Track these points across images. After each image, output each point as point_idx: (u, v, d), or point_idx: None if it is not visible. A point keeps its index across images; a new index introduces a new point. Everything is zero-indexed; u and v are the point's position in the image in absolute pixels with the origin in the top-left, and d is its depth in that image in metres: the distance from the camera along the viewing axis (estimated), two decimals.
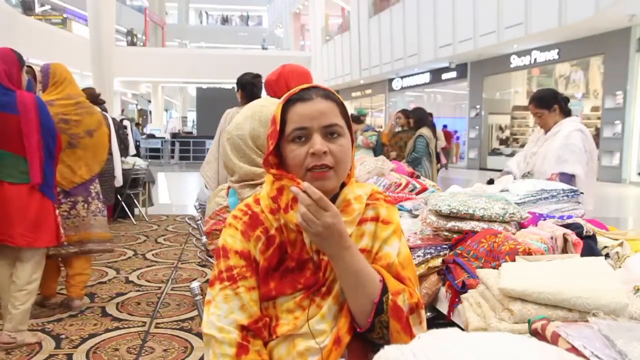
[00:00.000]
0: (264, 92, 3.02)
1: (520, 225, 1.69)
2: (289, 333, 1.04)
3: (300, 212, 0.96)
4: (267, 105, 1.93)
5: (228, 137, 1.99)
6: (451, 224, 1.64)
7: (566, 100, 2.90)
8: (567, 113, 2.87)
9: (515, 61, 13.55)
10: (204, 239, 2.29)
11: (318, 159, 1.02)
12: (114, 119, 6.38)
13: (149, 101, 29.55)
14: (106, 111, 6.31)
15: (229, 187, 2.11)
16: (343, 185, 1.10)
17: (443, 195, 1.84)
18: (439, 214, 1.67)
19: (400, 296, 1.02)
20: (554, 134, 2.81)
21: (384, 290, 1.02)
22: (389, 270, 1.07)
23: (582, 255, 1.36)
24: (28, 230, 2.76)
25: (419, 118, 5.81)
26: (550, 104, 2.83)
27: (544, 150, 2.84)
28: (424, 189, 2.53)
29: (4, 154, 2.71)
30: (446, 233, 1.67)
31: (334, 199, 1.05)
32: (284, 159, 1.07)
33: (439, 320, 1.47)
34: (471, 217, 1.63)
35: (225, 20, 28.32)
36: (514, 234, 1.57)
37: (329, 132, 1.04)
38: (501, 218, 1.62)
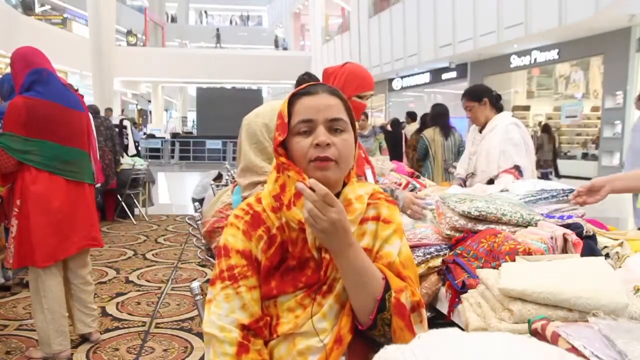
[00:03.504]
0: None
1: None
2: (289, 332, 1.04)
3: (307, 208, 0.96)
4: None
5: (246, 122, 2.03)
6: (479, 227, 1.61)
7: (498, 97, 2.97)
8: (498, 109, 2.93)
9: (515, 61, 13.54)
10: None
11: (321, 150, 1.03)
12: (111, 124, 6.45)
13: (149, 101, 29.53)
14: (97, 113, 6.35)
15: (234, 185, 2.13)
16: (344, 184, 1.11)
17: (462, 196, 1.79)
18: (468, 217, 1.62)
19: (403, 294, 1.03)
20: (491, 129, 2.87)
21: (387, 287, 1.02)
22: (389, 269, 1.07)
23: (582, 255, 1.36)
24: (99, 230, 2.84)
25: (433, 116, 5.53)
26: (480, 97, 2.90)
27: (483, 148, 2.88)
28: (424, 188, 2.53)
29: (83, 155, 2.71)
30: (447, 232, 1.66)
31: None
32: (289, 152, 1.08)
33: (439, 320, 1.47)
34: (498, 220, 1.60)
35: (218, 38, 28.69)
36: (513, 233, 1.57)
37: (334, 127, 1.06)
38: (527, 223, 1.59)
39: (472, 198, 1.71)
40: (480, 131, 2.98)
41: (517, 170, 2.72)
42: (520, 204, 1.71)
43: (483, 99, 2.89)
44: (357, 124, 2.16)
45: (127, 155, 7.20)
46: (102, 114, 7.58)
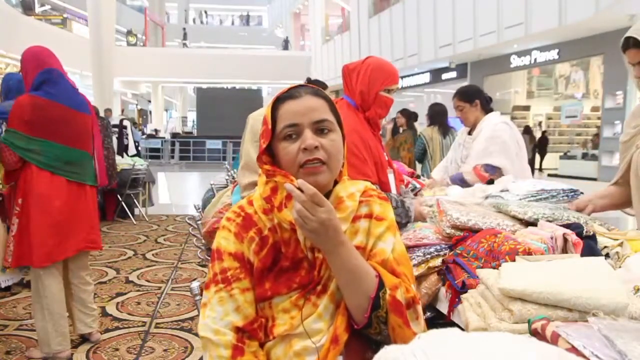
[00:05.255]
0: None
1: None
2: (285, 333, 1.04)
3: (296, 208, 0.96)
4: None
5: (251, 119, 2.05)
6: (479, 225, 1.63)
7: (489, 99, 2.98)
8: (488, 111, 2.95)
9: (515, 61, 13.55)
10: None
11: (310, 153, 1.02)
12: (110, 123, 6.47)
13: (149, 101, 29.53)
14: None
15: (234, 185, 2.14)
16: (335, 182, 1.11)
17: (520, 202, 1.76)
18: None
19: (398, 290, 1.03)
20: (480, 131, 2.87)
21: (380, 285, 1.02)
22: (384, 266, 1.07)
23: (582, 255, 1.36)
24: (98, 233, 2.84)
25: (432, 115, 5.40)
26: (472, 98, 2.91)
27: (473, 149, 2.88)
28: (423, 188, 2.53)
29: (86, 156, 2.71)
30: (448, 231, 1.66)
31: (326, 197, 1.05)
32: (276, 158, 1.08)
33: (439, 320, 1.47)
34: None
35: (185, 37, 28.39)
36: (513, 233, 1.57)
37: (320, 128, 1.05)
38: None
39: (529, 204, 1.69)
40: (470, 133, 2.98)
41: (486, 171, 2.69)
42: (566, 209, 1.72)
43: (475, 100, 2.89)
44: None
45: (127, 155, 7.20)
46: (101, 114, 7.57)
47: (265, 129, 1.08)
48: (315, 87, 1.11)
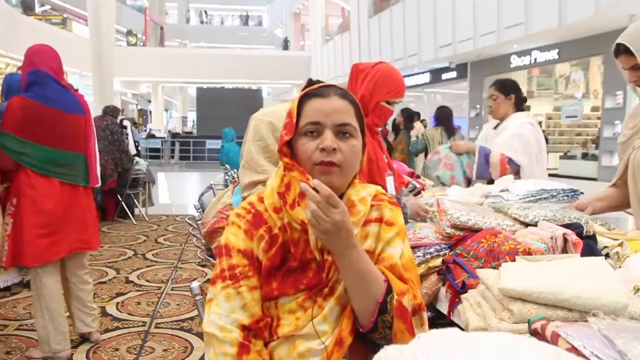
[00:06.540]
0: None
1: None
2: (290, 334, 1.04)
3: (310, 208, 0.96)
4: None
5: (253, 119, 2.05)
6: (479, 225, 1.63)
7: (524, 99, 3.01)
8: (519, 110, 2.97)
9: (515, 61, 13.54)
10: None
11: (327, 155, 1.02)
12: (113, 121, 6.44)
13: (149, 101, 29.52)
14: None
15: (234, 185, 2.14)
16: (347, 186, 1.10)
17: (521, 204, 1.76)
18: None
19: (405, 296, 1.03)
20: (504, 128, 2.88)
21: (388, 290, 1.02)
22: (391, 272, 1.07)
23: (582, 255, 1.36)
24: (95, 233, 2.84)
25: (440, 117, 5.70)
26: (509, 91, 2.92)
27: (494, 144, 2.90)
28: (423, 188, 2.53)
29: (79, 157, 2.71)
30: (448, 230, 1.66)
31: None
32: (294, 151, 1.07)
33: (439, 320, 1.47)
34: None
35: (162, 37, 27.56)
36: (513, 233, 1.57)
37: (341, 131, 1.05)
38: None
39: (530, 206, 1.70)
40: (496, 127, 2.99)
41: (509, 164, 2.71)
42: (568, 209, 1.71)
43: (511, 94, 2.91)
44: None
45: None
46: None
47: (288, 122, 1.07)
48: (344, 89, 1.11)
